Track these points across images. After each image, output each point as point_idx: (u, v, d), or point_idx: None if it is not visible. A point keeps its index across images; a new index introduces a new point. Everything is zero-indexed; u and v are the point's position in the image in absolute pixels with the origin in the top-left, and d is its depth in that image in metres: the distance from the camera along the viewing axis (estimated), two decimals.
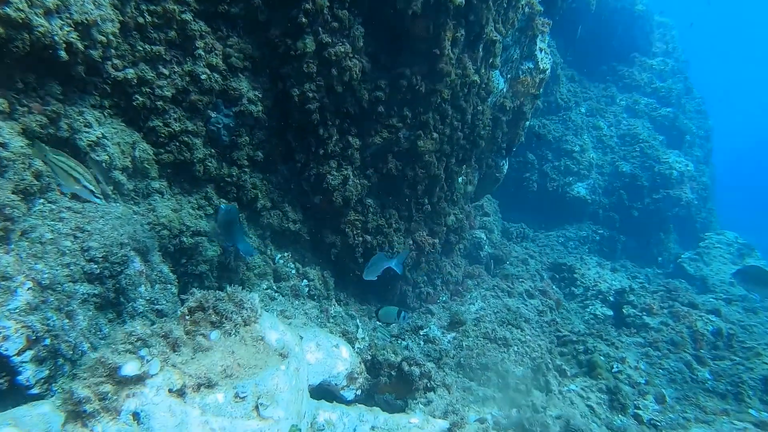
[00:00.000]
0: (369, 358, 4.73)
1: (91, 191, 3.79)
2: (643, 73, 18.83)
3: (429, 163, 7.09)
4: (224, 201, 6.12)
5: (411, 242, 7.90)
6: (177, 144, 5.49)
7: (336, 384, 4.24)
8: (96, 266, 4.06)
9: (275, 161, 6.73)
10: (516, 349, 5.90)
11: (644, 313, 9.29)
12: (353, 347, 4.66)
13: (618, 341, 7.41)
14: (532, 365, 5.77)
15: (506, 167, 10.54)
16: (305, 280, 7.18)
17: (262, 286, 6.74)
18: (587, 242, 15.83)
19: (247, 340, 2.82)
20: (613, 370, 6.65)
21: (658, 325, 8.96)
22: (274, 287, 6.86)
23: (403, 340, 6.42)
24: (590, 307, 10.39)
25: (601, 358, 6.72)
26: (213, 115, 5.75)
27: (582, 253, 14.55)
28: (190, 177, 5.81)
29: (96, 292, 4.07)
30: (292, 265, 7.16)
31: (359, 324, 4.98)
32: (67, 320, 3.72)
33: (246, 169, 6.26)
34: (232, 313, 2.83)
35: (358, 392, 4.57)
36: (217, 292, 2.98)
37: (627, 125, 17.86)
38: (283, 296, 6.85)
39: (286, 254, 7.15)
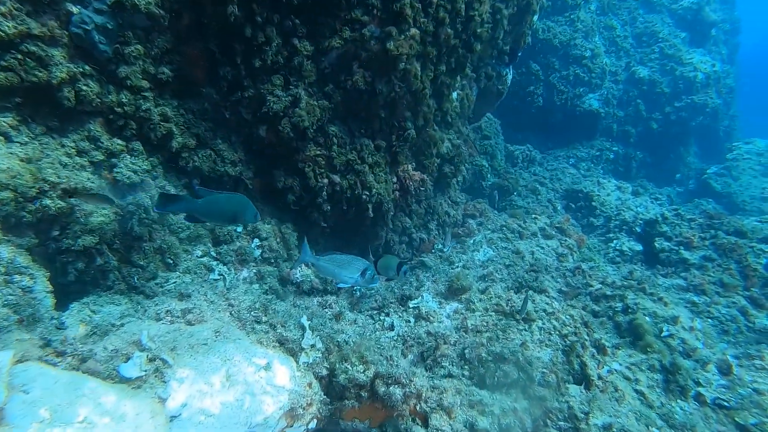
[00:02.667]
0: (325, 372, 3.12)
1: None
2: None
3: (408, 73, 5.17)
4: (119, 142, 4.30)
5: (394, 180, 6.14)
6: (18, 58, 3.58)
7: None
8: None
9: (196, 81, 4.83)
10: (541, 325, 4.32)
11: (682, 247, 7.69)
12: (297, 362, 3.03)
13: (663, 292, 5.84)
14: (563, 345, 4.22)
15: (510, 77, 8.56)
16: (256, 240, 5.51)
17: (196, 253, 5.08)
18: (600, 161, 14.04)
19: None
20: (663, 335, 5.14)
21: (700, 261, 7.38)
22: (213, 253, 5.20)
23: (387, 315, 4.84)
24: (615, 241, 8.78)
25: (647, 319, 5.19)
26: (74, 10, 3.79)
27: (597, 175, 12.79)
28: (59, 109, 3.94)
29: None
30: None
31: (306, 323, 3.31)
32: None
33: (147, 94, 4.38)
34: None
35: (312, 425, 2.99)
36: None
37: (644, 22, 15.49)
38: (224, 264, 5.20)
39: None
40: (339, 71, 5.15)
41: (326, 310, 4.18)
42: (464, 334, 4.10)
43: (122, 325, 3.15)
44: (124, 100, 4.20)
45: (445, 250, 5.85)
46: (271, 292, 5.51)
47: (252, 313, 3.44)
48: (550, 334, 4.26)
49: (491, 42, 7.27)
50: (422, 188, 6.12)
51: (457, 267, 6.78)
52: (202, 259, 5.09)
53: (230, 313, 3.36)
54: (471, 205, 8.52)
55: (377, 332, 4.69)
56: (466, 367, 3.82)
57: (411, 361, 4.19)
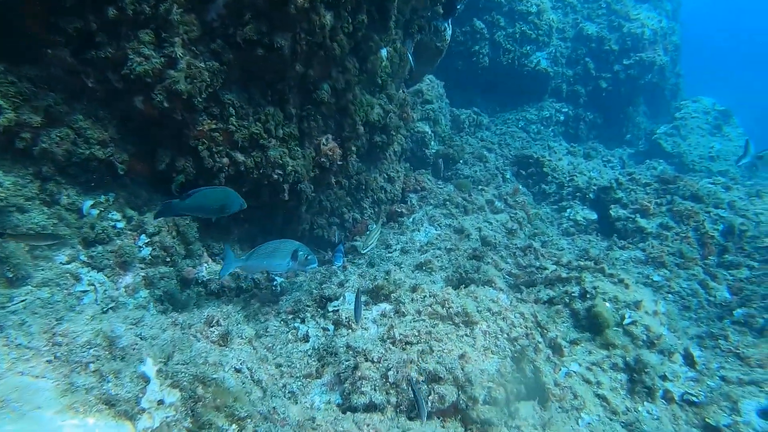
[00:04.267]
0: None
1: None
2: None
3: (312, 23, 4.18)
4: None
5: (314, 154, 5.20)
6: None
7: None
8: None
9: (34, 37, 3.71)
10: (485, 328, 3.56)
11: (638, 215, 7.15)
12: (136, 428, 2.14)
13: (624, 273, 5.22)
14: (512, 351, 3.50)
15: (449, 32, 7.66)
16: (143, 236, 4.50)
17: (59, 259, 4.05)
18: (551, 124, 13.45)
19: None
20: (625, 322, 4.54)
21: (657, 230, 6.86)
22: (83, 257, 4.17)
23: (302, 321, 3.98)
24: (568, 210, 8.18)
25: (607, 306, 4.56)
26: None
27: (547, 138, 12.19)
28: None
29: None
30: (117, 215, 4.42)
31: (150, 370, 2.40)
32: None
33: None
34: None
35: None
36: None
37: None
38: (99, 270, 4.19)
39: (103, 199, 4.36)
40: (228, 22, 4.12)
41: (212, 329, 3.28)
42: (391, 346, 3.31)
43: None
44: None
45: (364, 251, 4.98)
46: (165, 298, 4.56)
47: (91, 351, 2.51)
48: (497, 338, 3.53)
49: None
50: (341, 162, 5.20)
51: (395, 251, 5.98)
52: (68, 266, 4.05)
53: (54, 356, 2.42)
54: (412, 177, 7.70)
55: (290, 344, 3.84)
56: (392, 392, 3.04)
57: (326, 383, 3.38)
